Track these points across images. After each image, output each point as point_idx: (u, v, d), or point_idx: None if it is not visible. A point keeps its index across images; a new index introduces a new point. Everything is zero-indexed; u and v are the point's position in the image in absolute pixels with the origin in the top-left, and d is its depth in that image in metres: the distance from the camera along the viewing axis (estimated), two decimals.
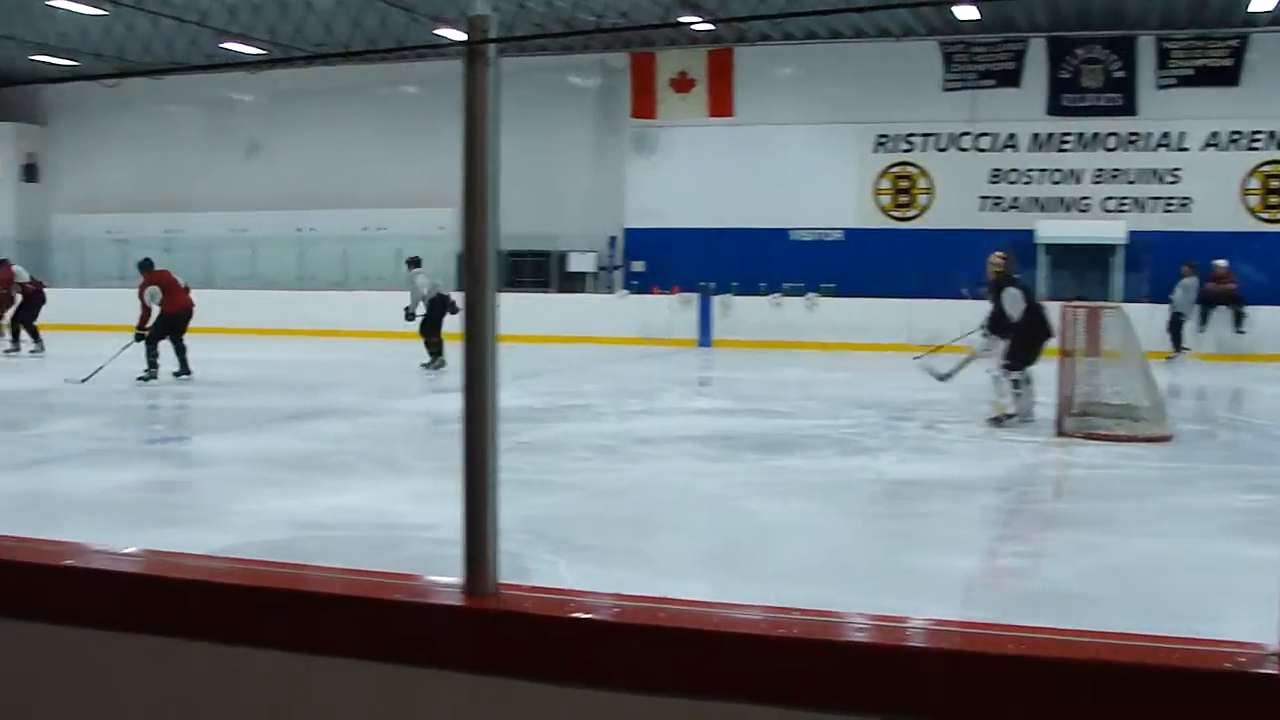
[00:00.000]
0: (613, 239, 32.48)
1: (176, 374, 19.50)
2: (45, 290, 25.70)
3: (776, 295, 29.28)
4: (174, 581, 2.90)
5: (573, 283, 32.43)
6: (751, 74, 31.02)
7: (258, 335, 29.11)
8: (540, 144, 29.02)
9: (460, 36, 2.54)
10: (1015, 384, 14.72)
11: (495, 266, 2.56)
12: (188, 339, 19.78)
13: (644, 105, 31.92)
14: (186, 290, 20.28)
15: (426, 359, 21.96)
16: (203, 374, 19.84)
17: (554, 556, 8.20)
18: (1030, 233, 28.70)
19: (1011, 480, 12.11)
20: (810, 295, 29.03)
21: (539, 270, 32.12)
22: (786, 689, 2.30)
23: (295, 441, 13.78)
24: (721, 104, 31.36)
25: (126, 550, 3.16)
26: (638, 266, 31.91)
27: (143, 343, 19.21)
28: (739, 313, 29.08)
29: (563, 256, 32.44)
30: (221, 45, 30.25)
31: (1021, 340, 14.75)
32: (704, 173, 31.34)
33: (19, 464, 12.58)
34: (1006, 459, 13.04)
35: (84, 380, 17.22)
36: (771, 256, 30.31)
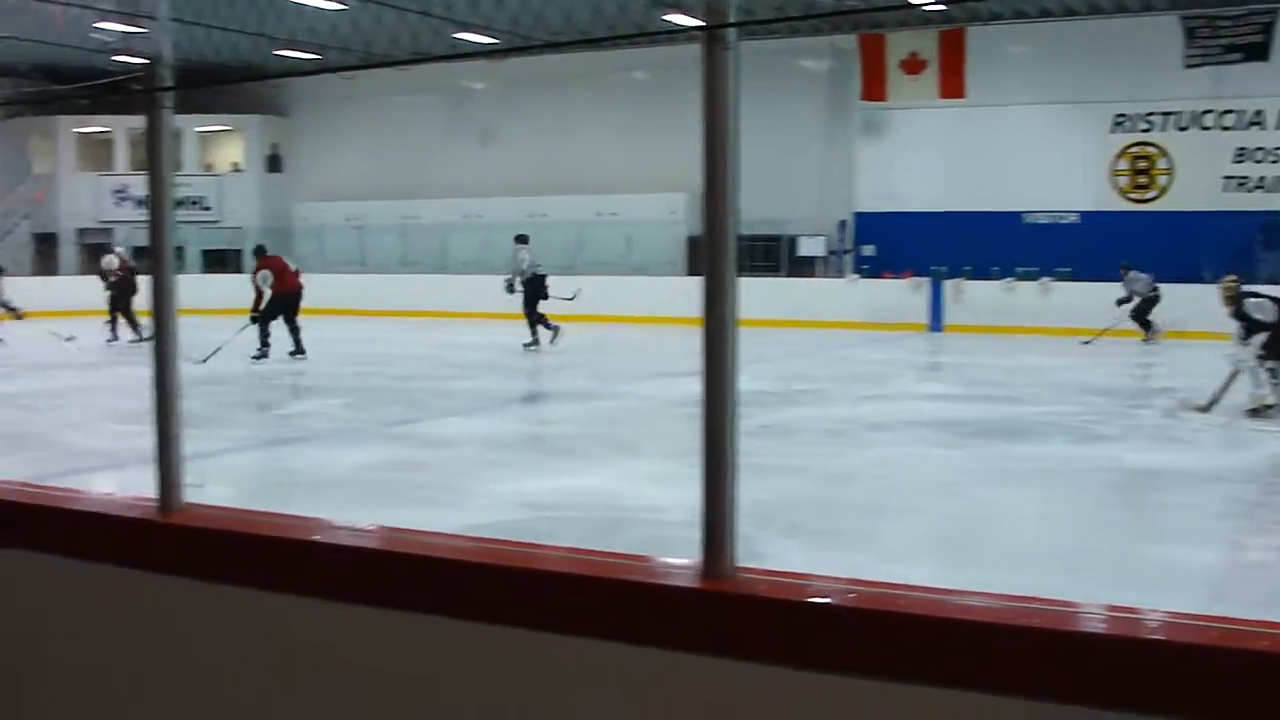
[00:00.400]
0: (843, 223, 32.24)
1: (291, 353, 20.49)
2: (137, 276, 24.71)
3: (1009, 279, 28.66)
4: (414, 558, 2.98)
5: (802, 267, 32.30)
6: (983, 54, 30.39)
7: (489, 320, 29.61)
8: (769, 127, 28.87)
9: (695, 22, 2.54)
10: (1272, 373, 14.21)
11: (734, 252, 2.56)
12: (302, 319, 21.04)
13: (874, 87, 31.58)
14: (296, 274, 21.61)
15: (529, 338, 22.92)
16: (438, 357, 20.30)
17: (785, 540, 8.20)
18: (1279, 213, 27.62)
19: (1258, 471, 11.66)
20: (1044, 280, 28.34)
21: (769, 254, 32.05)
22: (1023, 679, 2.26)
23: (527, 424, 14.04)
24: (953, 85, 30.84)
25: (368, 526, 3.26)
26: (868, 250, 31.60)
27: (256, 324, 20.42)
28: (971, 297, 28.54)
29: (793, 240, 32.33)
30: (456, 35, 30.86)
31: (1277, 333, 14.28)
32: (935, 155, 30.87)
33: (267, 442, 13.05)
34: (1253, 449, 12.58)
35: (204, 360, 17.66)
36: (1004, 240, 29.68)
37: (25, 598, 3.70)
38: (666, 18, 22.76)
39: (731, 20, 2.46)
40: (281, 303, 20.67)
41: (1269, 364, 14.16)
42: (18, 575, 3.69)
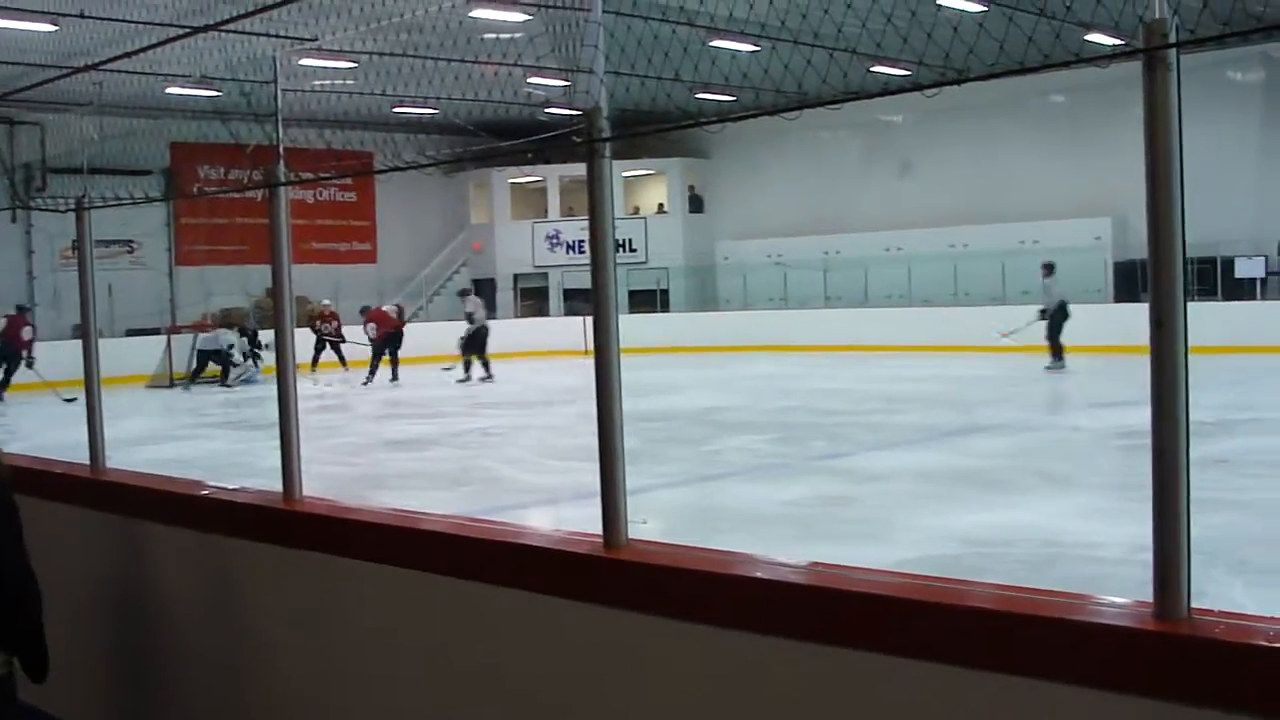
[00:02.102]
0: None
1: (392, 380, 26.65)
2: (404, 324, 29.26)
3: None
4: (844, 594, 3.00)
5: (1240, 289, 30.72)
6: None
7: (915, 352, 29.41)
8: (1198, 143, 27.43)
9: (1116, 41, 2.47)
10: None
11: (1182, 278, 2.47)
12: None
13: None
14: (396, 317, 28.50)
15: (1050, 361, 23.75)
16: (862, 391, 20.30)
17: (1229, 578, 7.80)
18: None
19: None
20: None
21: (1203, 277, 30.61)
22: None
23: (958, 458, 13.81)
24: None
25: (799, 563, 3.29)
26: None
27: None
28: None
29: (1228, 262, 30.79)
30: (871, 69, 30.86)
31: None
32: None
33: (697, 478, 13.31)
34: None
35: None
36: None
37: (472, 626, 3.91)
38: (1089, 39, 22.10)
39: (1173, 40, 2.38)
40: (382, 344, 27.04)
41: None
42: (465, 604, 3.90)
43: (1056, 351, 23.53)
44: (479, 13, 23.27)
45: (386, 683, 4.21)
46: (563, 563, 3.63)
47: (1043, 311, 24.27)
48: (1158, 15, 2.43)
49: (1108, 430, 15.27)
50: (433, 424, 19.29)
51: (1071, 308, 23.91)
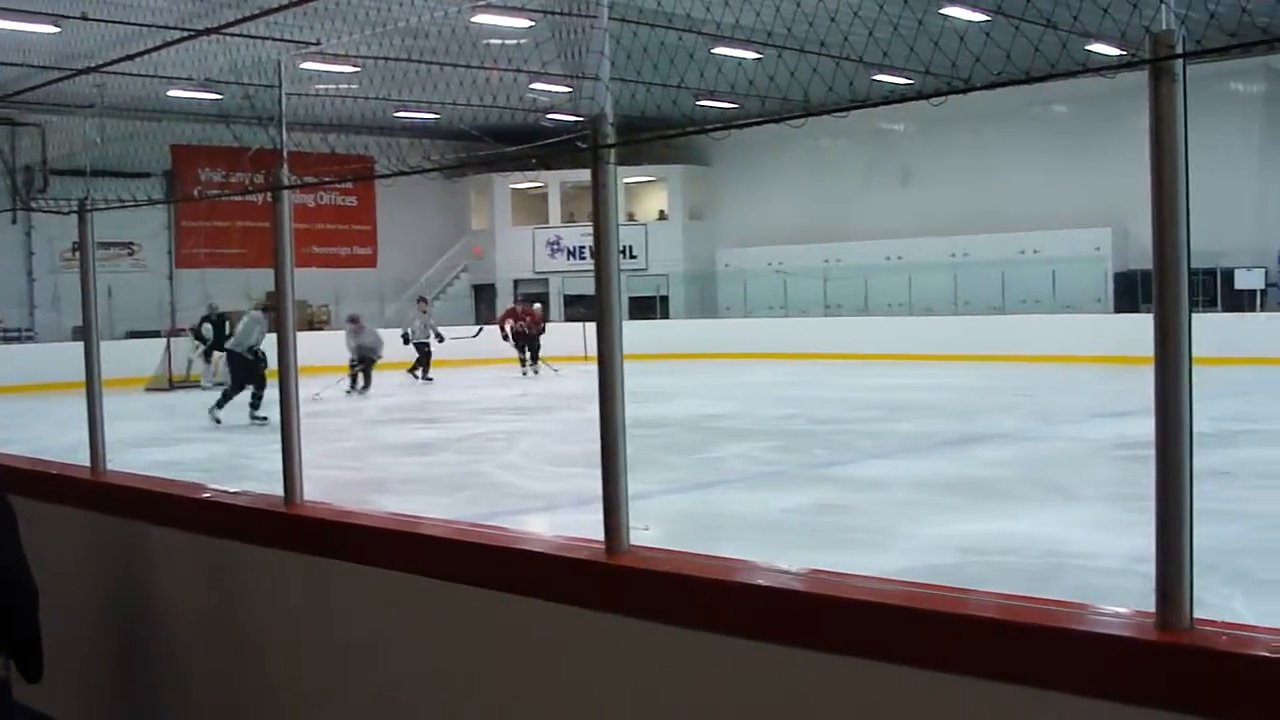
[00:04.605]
0: None
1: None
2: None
3: None
4: (842, 601, 3.00)
5: (1240, 300, 30.72)
6: None
7: (915, 361, 29.42)
8: (1199, 154, 27.41)
9: (1117, 51, 2.48)
10: None
11: (1187, 290, 2.46)
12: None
13: None
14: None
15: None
16: (862, 399, 20.32)
17: (1229, 589, 7.80)
18: None
19: None
20: None
21: (1203, 288, 30.63)
22: None
23: (957, 466, 13.81)
24: None
25: (798, 569, 3.29)
26: None
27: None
28: None
29: (1228, 273, 30.80)
30: (874, 78, 30.84)
31: None
32: None
33: (695, 485, 13.31)
34: None
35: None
36: None
37: (474, 632, 3.90)
38: (1090, 49, 22.09)
39: (1180, 51, 2.38)
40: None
41: None
42: (465, 610, 3.90)
43: None
44: (481, 18, 23.28)
45: (384, 688, 4.21)
46: (564, 568, 3.63)
47: None
48: (1165, 26, 2.43)
49: (1108, 441, 15.26)
50: (434, 429, 19.28)
51: (1073, 318, 23.78)
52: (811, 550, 9.37)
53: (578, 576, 3.56)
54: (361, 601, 4.33)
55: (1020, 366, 27.32)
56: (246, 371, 19.77)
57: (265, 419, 18.54)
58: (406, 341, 28.57)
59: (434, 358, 28.67)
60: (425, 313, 29.53)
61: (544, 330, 30.84)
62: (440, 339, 28.56)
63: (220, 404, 19.69)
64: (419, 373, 28.63)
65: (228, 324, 25.49)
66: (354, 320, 26.77)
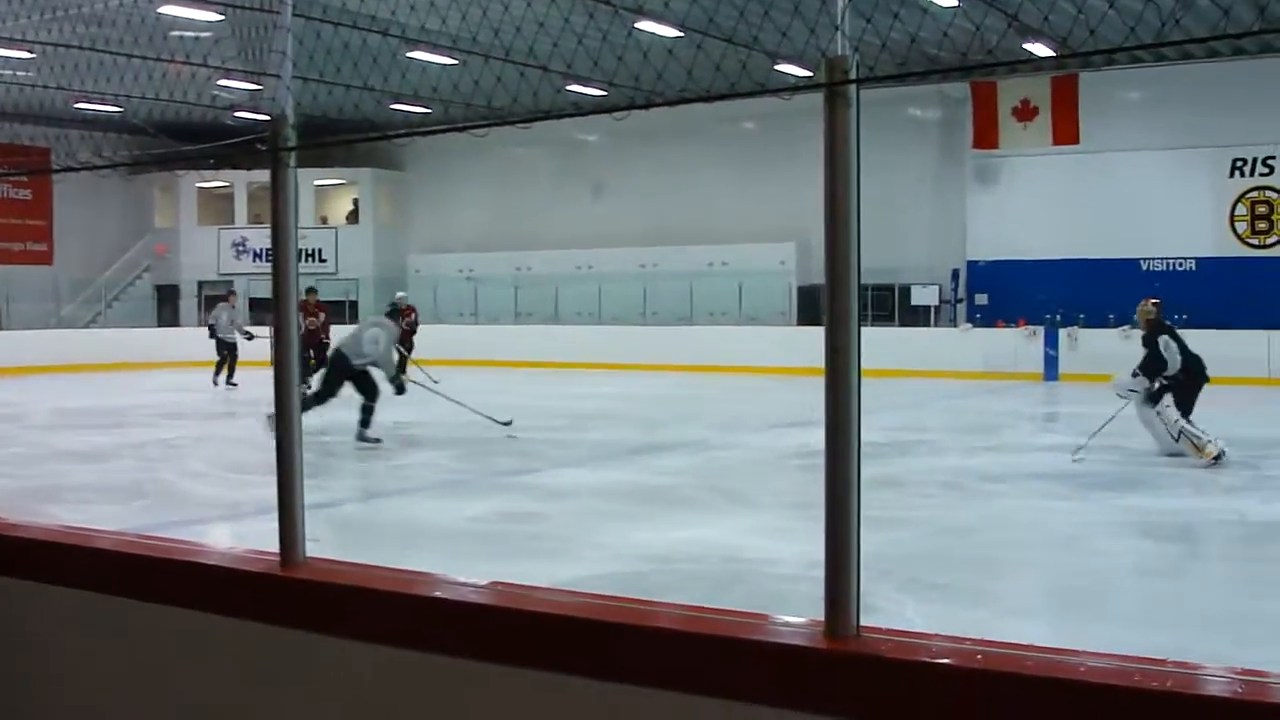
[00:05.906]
0: (956, 271, 31.98)
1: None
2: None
3: (1126, 327, 28.08)
4: (526, 614, 2.98)
5: (915, 316, 32.06)
6: (1097, 99, 29.92)
7: (603, 370, 29.73)
8: (880, 176, 28.58)
9: (808, 72, 2.53)
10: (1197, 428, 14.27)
11: (857, 306, 2.53)
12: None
13: (985, 135, 31.32)
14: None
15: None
16: (550, 408, 20.42)
17: (901, 595, 8.08)
18: None
19: None
20: (1124, 328, 27.77)
21: (881, 304, 31.84)
22: None
23: (642, 475, 13.99)
24: (1066, 131, 30.44)
25: (482, 582, 3.26)
26: (981, 299, 31.30)
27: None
28: (1086, 345, 28.07)
29: (905, 290, 32.11)
30: (569, 89, 31.07)
31: (1185, 389, 14.66)
32: (1049, 202, 30.45)
33: (379, 493, 13.15)
34: None
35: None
36: (1120, 287, 29.09)
37: (146, 650, 3.75)
38: (779, 68, 22.68)
39: (853, 77, 2.44)
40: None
41: (1188, 421, 14.17)
42: (137, 626, 3.74)
43: None
44: (168, 9, 22.52)
45: (50, 711, 4.00)
46: (237, 582, 3.51)
47: None
48: (840, 52, 2.49)
49: (789, 450, 15.68)
50: (112, 435, 18.54)
51: (758, 329, 24.32)
52: (500, 560, 9.34)
53: (251, 590, 3.45)
54: (23, 622, 4.08)
55: (706, 377, 27.90)
56: None
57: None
58: (211, 335, 26.76)
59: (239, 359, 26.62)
60: (234, 307, 27.54)
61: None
62: (249, 337, 26.25)
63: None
64: (222, 377, 26.48)
65: None
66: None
